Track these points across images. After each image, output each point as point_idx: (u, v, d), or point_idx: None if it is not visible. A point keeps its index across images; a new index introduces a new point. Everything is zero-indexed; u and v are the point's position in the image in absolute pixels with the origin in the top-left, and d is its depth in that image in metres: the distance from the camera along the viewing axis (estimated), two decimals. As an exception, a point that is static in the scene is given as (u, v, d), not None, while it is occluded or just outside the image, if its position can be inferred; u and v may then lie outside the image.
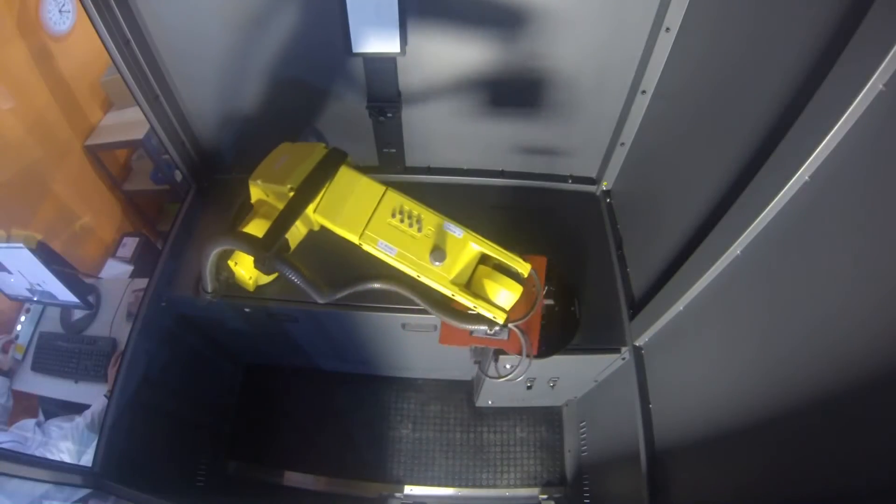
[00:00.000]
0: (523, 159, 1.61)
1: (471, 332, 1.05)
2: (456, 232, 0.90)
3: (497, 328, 0.89)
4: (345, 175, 0.94)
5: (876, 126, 0.64)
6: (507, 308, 0.90)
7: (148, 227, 2.95)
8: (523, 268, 0.90)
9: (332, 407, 1.97)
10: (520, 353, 0.97)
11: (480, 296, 0.89)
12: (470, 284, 0.90)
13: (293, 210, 0.90)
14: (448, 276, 0.89)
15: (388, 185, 0.95)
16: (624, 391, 1.34)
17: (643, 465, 1.21)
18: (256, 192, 1.06)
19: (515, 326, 0.92)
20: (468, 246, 0.90)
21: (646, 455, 1.21)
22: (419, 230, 0.90)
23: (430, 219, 0.91)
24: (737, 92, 0.97)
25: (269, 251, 0.86)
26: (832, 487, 0.70)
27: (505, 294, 0.89)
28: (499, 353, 1.26)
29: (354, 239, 0.91)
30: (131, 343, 1.38)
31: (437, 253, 0.88)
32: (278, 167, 1.00)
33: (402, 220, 0.91)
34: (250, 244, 0.87)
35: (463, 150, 1.59)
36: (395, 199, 0.92)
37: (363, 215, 0.91)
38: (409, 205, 0.92)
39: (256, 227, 1.06)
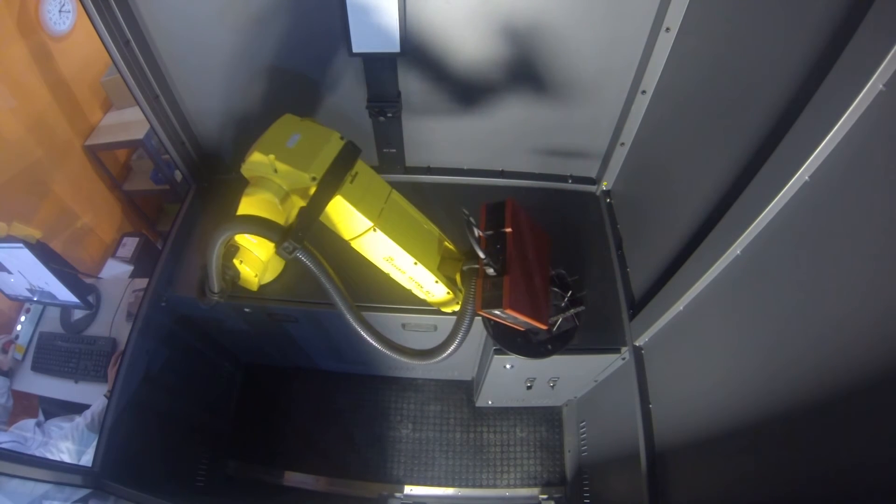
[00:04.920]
0: (523, 159, 1.61)
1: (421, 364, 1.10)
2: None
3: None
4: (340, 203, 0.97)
5: (876, 126, 0.64)
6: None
7: (148, 227, 2.95)
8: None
9: (332, 407, 1.97)
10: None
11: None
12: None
13: (320, 203, 0.92)
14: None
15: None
16: (624, 391, 1.34)
17: (643, 465, 1.21)
18: (259, 165, 0.96)
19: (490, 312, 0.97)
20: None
21: (646, 455, 1.21)
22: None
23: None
24: (737, 92, 0.97)
25: (300, 242, 0.87)
26: (832, 487, 0.70)
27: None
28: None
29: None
30: (131, 343, 1.38)
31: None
32: (292, 146, 0.97)
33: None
34: (276, 232, 0.88)
35: (463, 150, 1.59)
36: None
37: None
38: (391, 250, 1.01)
39: (253, 203, 1.01)
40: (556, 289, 1.25)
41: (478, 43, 1.24)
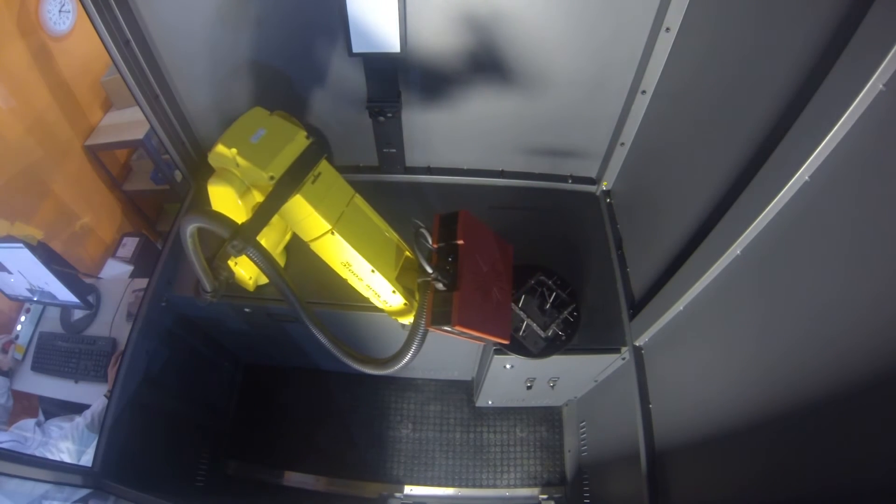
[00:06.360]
0: (523, 159, 1.61)
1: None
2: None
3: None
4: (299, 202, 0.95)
5: (876, 126, 0.64)
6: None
7: (148, 227, 2.95)
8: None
9: (331, 407, 1.97)
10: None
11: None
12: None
13: (275, 203, 0.91)
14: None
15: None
16: (624, 391, 1.34)
17: (643, 465, 1.21)
18: (223, 157, 0.96)
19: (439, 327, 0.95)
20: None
21: (646, 455, 1.21)
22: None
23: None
24: (737, 92, 0.97)
25: (250, 242, 0.84)
26: (832, 487, 0.70)
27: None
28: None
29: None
30: (131, 343, 1.38)
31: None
32: (255, 141, 0.95)
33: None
34: (227, 228, 0.85)
35: (463, 150, 1.59)
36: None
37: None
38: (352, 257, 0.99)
39: (215, 194, 1.01)
40: (549, 305, 1.25)
41: (478, 43, 1.24)
